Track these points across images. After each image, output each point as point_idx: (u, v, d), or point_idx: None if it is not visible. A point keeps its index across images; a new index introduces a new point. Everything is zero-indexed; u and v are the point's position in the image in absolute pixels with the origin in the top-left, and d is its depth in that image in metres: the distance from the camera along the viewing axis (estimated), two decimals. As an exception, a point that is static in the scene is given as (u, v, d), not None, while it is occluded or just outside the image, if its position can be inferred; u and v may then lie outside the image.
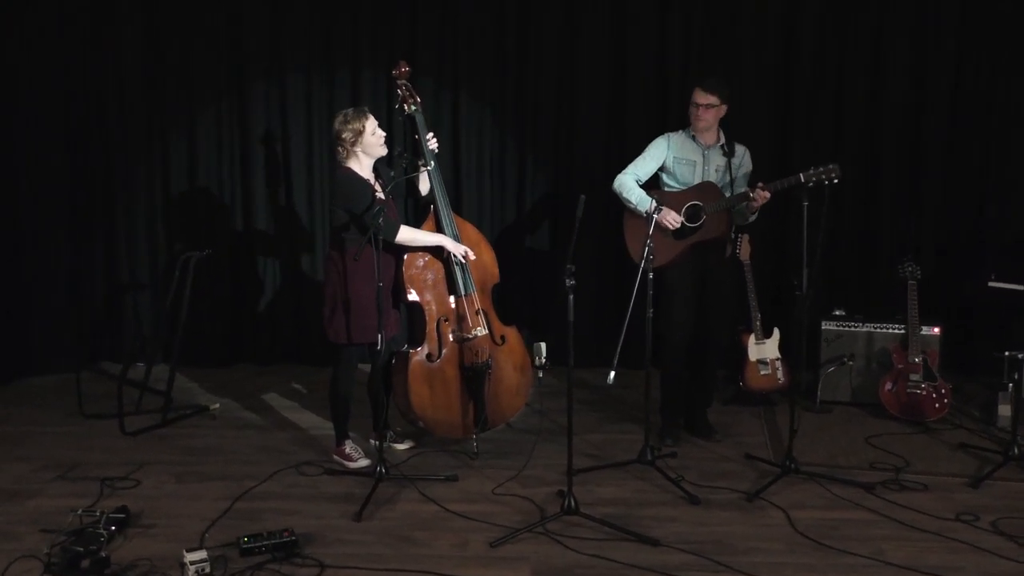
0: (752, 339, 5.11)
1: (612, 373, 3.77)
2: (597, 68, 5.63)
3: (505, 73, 5.68)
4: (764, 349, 5.13)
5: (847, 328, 5.14)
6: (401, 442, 4.33)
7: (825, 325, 5.17)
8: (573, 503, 3.50)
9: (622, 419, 4.80)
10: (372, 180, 3.98)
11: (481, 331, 4.17)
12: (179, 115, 5.70)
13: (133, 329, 5.86)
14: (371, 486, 3.72)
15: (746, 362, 5.10)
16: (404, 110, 4.17)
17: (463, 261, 4.11)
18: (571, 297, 3.39)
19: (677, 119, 4.79)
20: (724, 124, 4.45)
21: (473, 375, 4.14)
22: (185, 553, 3.04)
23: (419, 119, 4.17)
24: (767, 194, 4.10)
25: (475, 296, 4.18)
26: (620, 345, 3.84)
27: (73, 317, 5.68)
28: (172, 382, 4.76)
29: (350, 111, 3.96)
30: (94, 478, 3.83)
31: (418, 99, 4.21)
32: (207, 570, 3.00)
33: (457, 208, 5.77)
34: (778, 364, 5.13)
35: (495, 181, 5.85)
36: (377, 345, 3.73)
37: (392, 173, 3.96)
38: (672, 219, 4.26)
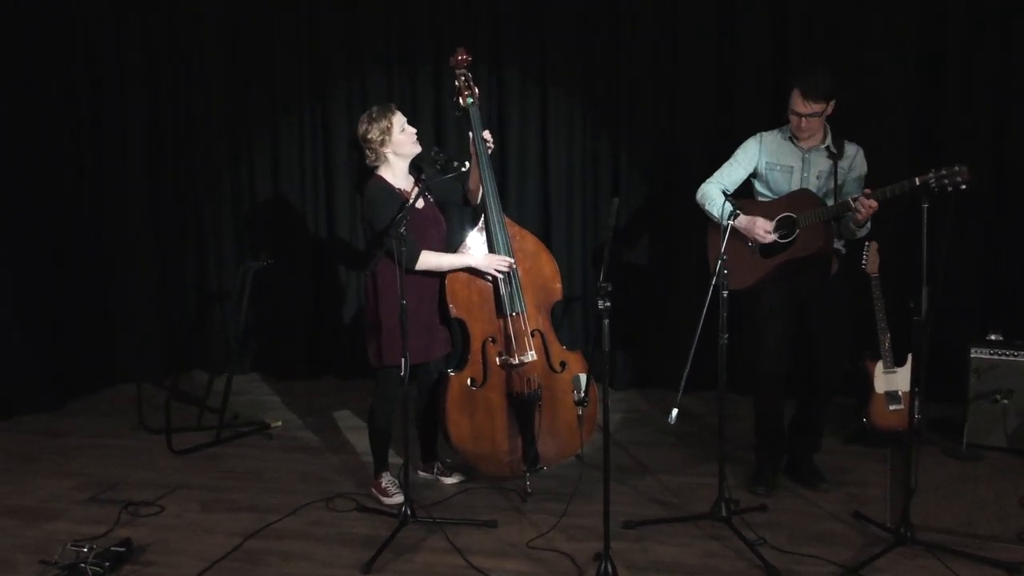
0: (880, 367, 4.28)
1: (675, 411, 3.15)
2: (700, 55, 4.96)
3: (597, 67, 5.12)
4: (895, 380, 4.28)
5: (1004, 357, 4.21)
6: (449, 475, 3.88)
7: (975, 352, 4.26)
8: (611, 569, 2.89)
9: (715, 456, 4.10)
10: (406, 187, 3.54)
11: (531, 356, 3.64)
12: (262, 122, 5.55)
13: (218, 340, 5.77)
14: (401, 527, 3.29)
15: (872, 395, 4.28)
16: (459, 104, 3.72)
17: (500, 274, 3.60)
18: (606, 322, 2.79)
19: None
20: (835, 120, 3.68)
21: (521, 406, 3.63)
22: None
23: (474, 113, 3.71)
24: (873, 203, 3.32)
25: (525, 315, 3.65)
26: (684, 379, 3.22)
27: (161, 327, 5.64)
28: (227, 397, 4.55)
29: (375, 109, 3.56)
30: (122, 501, 3.63)
31: (476, 91, 3.75)
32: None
33: (546, 218, 5.32)
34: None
35: (588, 186, 5.29)
36: (401, 371, 3.28)
37: (423, 176, 3.50)
38: (763, 230, 3.55)
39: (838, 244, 3.71)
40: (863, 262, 4.25)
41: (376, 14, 5.29)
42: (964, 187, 3.15)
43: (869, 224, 3.56)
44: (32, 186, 4.97)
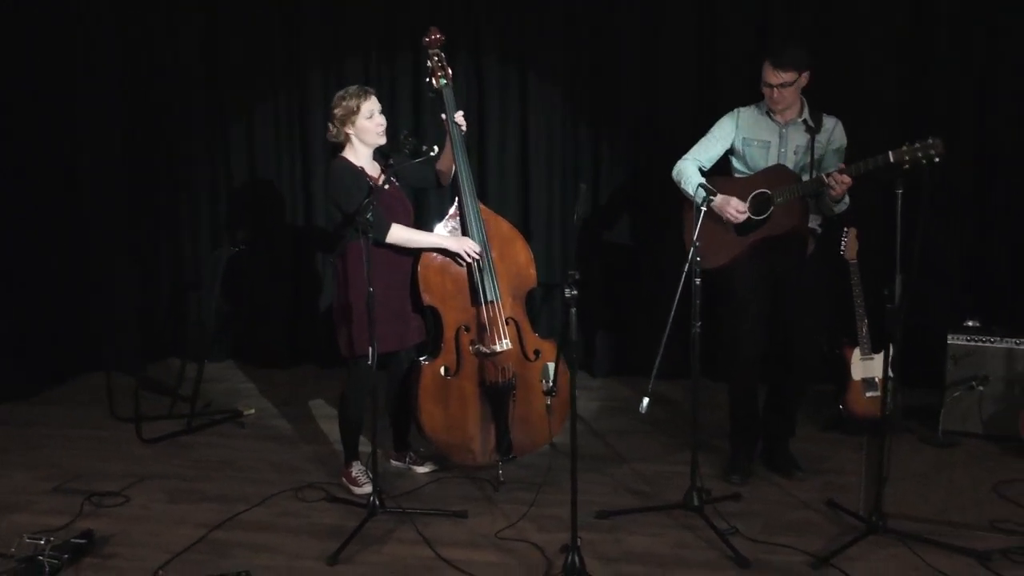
0: (857, 354, 4.25)
1: (646, 400, 3.11)
2: (683, 34, 4.90)
3: (578, 46, 5.04)
4: (872, 367, 4.26)
5: (981, 343, 4.19)
6: (422, 464, 3.84)
7: (952, 339, 4.24)
8: (578, 562, 2.85)
9: (699, 444, 4.06)
10: (372, 172, 3.48)
11: (506, 345, 3.59)
12: (238, 108, 5.47)
13: (194, 327, 5.69)
14: (369, 518, 3.24)
15: (849, 382, 4.25)
16: (432, 84, 3.65)
17: (472, 261, 3.54)
18: (573, 311, 2.74)
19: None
20: (811, 93, 3.63)
21: (495, 395, 3.58)
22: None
23: (447, 95, 3.64)
24: (847, 179, 3.28)
25: (499, 303, 3.60)
26: (656, 367, 3.17)
27: (137, 315, 5.57)
28: (199, 385, 4.48)
29: (352, 87, 3.49)
30: (86, 492, 3.57)
31: (450, 72, 3.68)
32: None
33: (525, 201, 5.27)
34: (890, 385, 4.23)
35: (568, 169, 5.23)
36: (368, 359, 3.23)
37: (391, 161, 3.44)
38: (735, 210, 3.51)
39: (814, 224, 3.67)
40: (842, 248, 4.21)
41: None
42: (938, 160, 3.11)
43: (847, 200, 3.51)
44: (6, 174, 4.87)
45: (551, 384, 3.13)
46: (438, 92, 3.65)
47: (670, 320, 3.13)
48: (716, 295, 3.78)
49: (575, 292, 2.70)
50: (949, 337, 4.23)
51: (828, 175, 3.32)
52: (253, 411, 4.66)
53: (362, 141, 3.49)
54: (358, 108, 3.44)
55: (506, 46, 5.13)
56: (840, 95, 4.33)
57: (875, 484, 3.18)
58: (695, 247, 3.15)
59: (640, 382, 5.13)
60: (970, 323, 4.29)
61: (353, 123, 3.45)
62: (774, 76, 3.46)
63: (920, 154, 3.11)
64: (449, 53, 5.08)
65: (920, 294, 4.70)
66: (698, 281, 3.17)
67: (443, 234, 3.57)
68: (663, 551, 3.12)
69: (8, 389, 4.79)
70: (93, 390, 4.98)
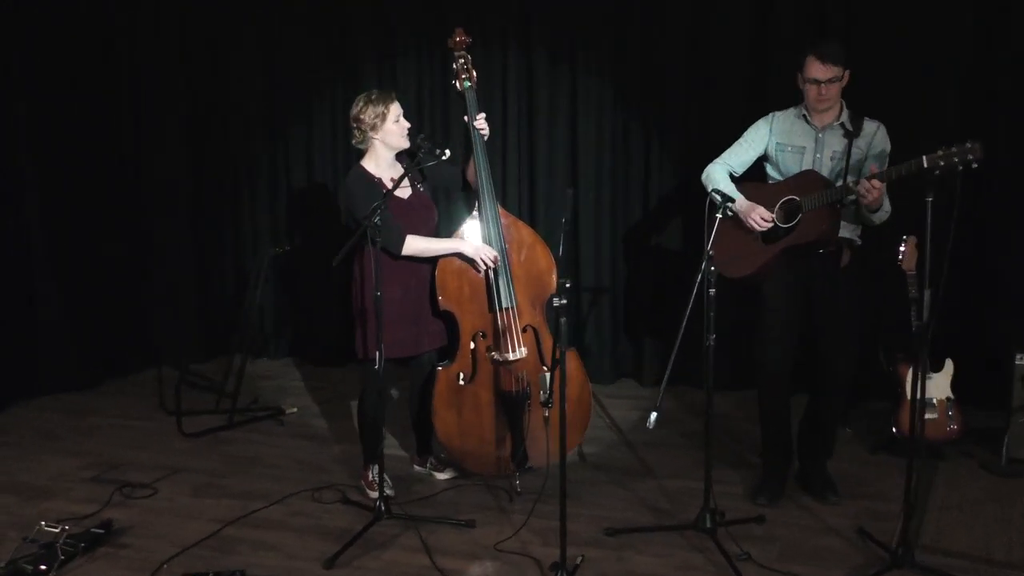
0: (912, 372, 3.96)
1: (653, 415, 2.98)
2: (734, 39, 4.71)
3: (628, 51, 4.92)
4: (930, 386, 3.97)
5: (1052, 365, 3.83)
6: (442, 471, 3.81)
7: (1021, 359, 3.89)
8: (567, 580, 2.76)
9: (727, 461, 3.91)
10: (392, 176, 3.46)
11: (522, 353, 3.52)
12: (297, 107, 5.58)
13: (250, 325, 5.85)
14: (373, 523, 3.24)
15: (903, 402, 3.97)
16: (456, 87, 3.63)
17: (486, 266, 3.48)
18: (563, 320, 2.65)
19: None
20: (852, 94, 3.41)
21: (511, 404, 3.51)
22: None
23: (470, 97, 3.61)
24: (876, 184, 3.05)
25: (516, 310, 3.52)
26: (665, 380, 3.04)
27: (200, 311, 5.76)
28: (240, 381, 4.60)
29: (375, 92, 3.49)
30: (119, 482, 3.71)
31: (474, 74, 3.64)
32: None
33: (574, 206, 5.15)
34: (949, 406, 3.95)
35: (618, 170, 5.11)
36: (376, 364, 3.22)
37: (406, 164, 3.42)
38: (760, 217, 3.33)
39: (851, 234, 3.44)
40: (900, 257, 3.94)
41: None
42: (976, 166, 2.86)
43: (887, 208, 3.26)
44: (76, 174, 5.12)
45: (547, 395, 3.04)
46: (462, 94, 3.61)
47: (681, 330, 3.00)
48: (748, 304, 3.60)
49: (564, 301, 2.60)
50: (1018, 357, 3.90)
51: (855, 182, 3.10)
52: (295, 409, 4.75)
53: (386, 145, 3.48)
54: (386, 113, 3.43)
55: (556, 45, 5.05)
56: (896, 98, 4.07)
57: (931, 509, 2.93)
58: (708, 256, 3.00)
59: (689, 392, 4.97)
60: (1042, 342, 3.94)
61: (381, 128, 3.44)
62: (822, 70, 3.27)
63: (956, 159, 2.87)
64: (500, 52, 5.13)
65: (988, 307, 4.40)
66: (712, 292, 3.02)
67: (461, 239, 3.52)
68: (666, 573, 2.99)
69: (70, 379, 5.02)
70: (151, 384, 5.17)
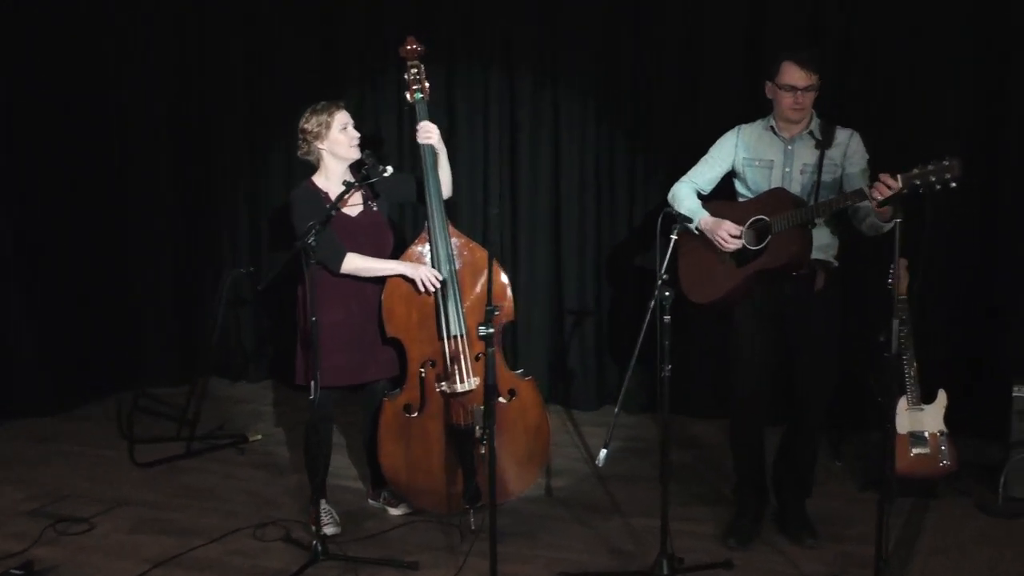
0: (904, 403, 3.70)
1: (603, 452, 2.76)
2: (726, 47, 4.48)
3: (613, 68, 4.73)
4: (921, 419, 3.71)
5: (1055, 397, 3.54)
6: (396, 506, 3.60)
7: (1019, 391, 3.62)
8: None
9: (706, 499, 3.66)
10: (337, 192, 3.28)
11: (472, 384, 3.31)
12: (277, 122, 5.44)
13: (232, 348, 5.71)
14: (308, 566, 3.04)
15: (895, 435, 3.70)
16: (407, 98, 3.46)
17: (429, 291, 3.28)
18: (491, 351, 2.43)
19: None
20: (823, 104, 3.18)
21: (462, 437, 3.30)
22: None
23: (421, 110, 3.44)
24: (893, 184, 2.73)
25: (465, 339, 3.31)
26: (616, 414, 2.82)
27: (178, 334, 5.62)
28: (199, 407, 4.43)
29: (322, 103, 3.33)
30: (56, 517, 3.54)
31: (427, 86, 3.47)
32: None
33: (556, 225, 4.97)
34: (942, 441, 3.67)
35: (603, 190, 4.90)
36: (312, 393, 3.03)
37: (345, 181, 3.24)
38: (727, 234, 3.10)
39: (827, 255, 3.19)
40: (889, 281, 3.69)
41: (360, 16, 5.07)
42: (955, 185, 2.62)
43: (895, 217, 2.98)
44: (51, 193, 5.00)
45: (481, 430, 2.82)
46: (412, 107, 3.43)
47: (633, 359, 2.79)
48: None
49: (491, 330, 2.39)
50: (1015, 388, 3.62)
51: (870, 187, 2.81)
52: (260, 437, 4.57)
53: (334, 155, 3.32)
54: (330, 121, 3.28)
55: (538, 62, 4.87)
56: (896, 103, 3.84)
57: (917, 553, 2.66)
58: (662, 280, 2.77)
59: (676, 420, 4.71)
60: (1044, 372, 3.65)
61: (326, 137, 3.29)
62: (802, 77, 3.05)
63: (933, 177, 2.63)
64: (480, 66, 4.96)
65: (990, 333, 4.12)
66: (667, 318, 2.79)
67: (405, 261, 3.33)
68: (615, 627, 2.74)
69: (39, 403, 4.88)
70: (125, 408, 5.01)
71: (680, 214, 2.92)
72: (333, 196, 3.25)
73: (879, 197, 2.78)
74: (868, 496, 3.68)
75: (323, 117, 3.27)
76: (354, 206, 3.33)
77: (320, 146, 3.28)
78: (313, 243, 2.95)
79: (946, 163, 2.60)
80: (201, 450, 4.35)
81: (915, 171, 2.66)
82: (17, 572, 3.02)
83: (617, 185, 4.88)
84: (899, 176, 2.70)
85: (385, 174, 3.14)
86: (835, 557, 3.15)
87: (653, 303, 2.77)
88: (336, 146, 3.28)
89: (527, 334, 5.10)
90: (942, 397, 3.71)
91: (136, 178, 5.45)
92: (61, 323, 5.03)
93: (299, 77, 5.30)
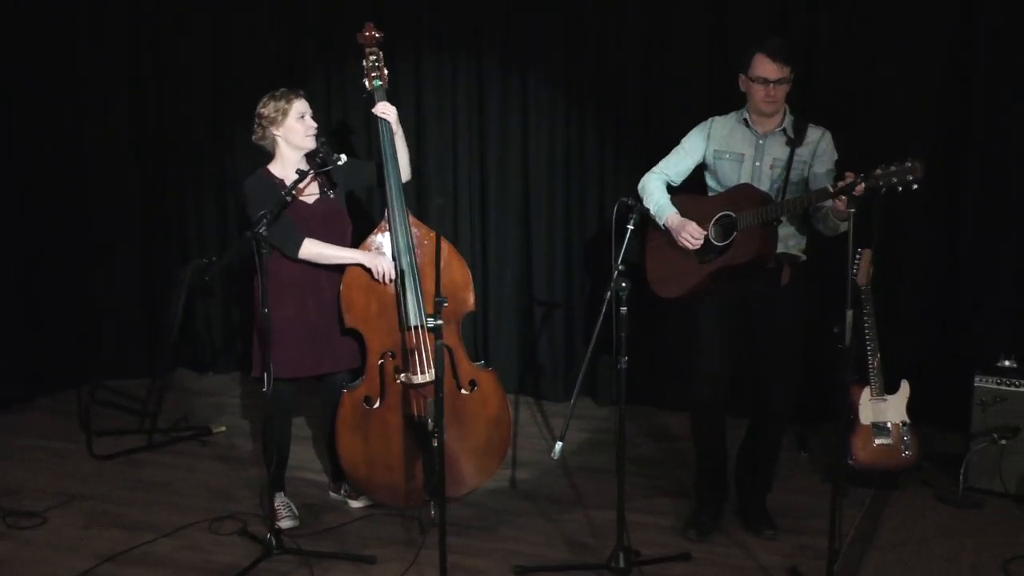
0: (866, 394, 3.70)
1: (559, 445, 2.73)
2: (693, 35, 4.45)
3: (582, 54, 4.68)
4: (884, 409, 3.71)
5: (1015, 388, 3.55)
6: (356, 498, 3.56)
7: (980, 381, 3.63)
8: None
9: (670, 492, 3.64)
10: (294, 179, 3.23)
11: (432, 375, 3.27)
12: (241, 112, 5.35)
13: (200, 339, 5.65)
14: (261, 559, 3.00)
15: (857, 427, 3.70)
16: (366, 85, 3.41)
17: (385, 281, 3.24)
18: (439, 343, 2.39)
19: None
20: (795, 100, 3.16)
21: (420, 429, 3.26)
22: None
23: (379, 97, 3.39)
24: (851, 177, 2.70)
25: (425, 330, 3.27)
26: (572, 407, 2.80)
27: (144, 324, 5.54)
28: (161, 399, 4.37)
29: (281, 89, 3.29)
30: (6, 511, 3.47)
31: (385, 73, 3.42)
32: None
33: (525, 215, 4.93)
34: (904, 431, 3.67)
35: (573, 180, 4.87)
36: (265, 385, 2.98)
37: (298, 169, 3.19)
38: (690, 234, 3.07)
39: (796, 249, 3.17)
40: (853, 271, 3.68)
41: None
42: (916, 187, 2.60)
43: (849, 219, 2.95)
44: (16, 180, 4.91)
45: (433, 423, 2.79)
46: (370, 94, 3.38)
47: (589, 351, 2.77)
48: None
49: (439, 322, 2.36)
50: (977, 379, 3.62)
51: (834, 187, 2.78)
52: (224, 428, 4.51)
53: (289, 143, 3.27)
54: (288, 109, 3.23)
55: (507, 48, 4.82)
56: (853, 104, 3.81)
57: (876, 546, 2.63)
58: (618, 272, 2.74)
59: (647, 413, 4.72)
60: (1006, 363, 3.65)
61: (282, 124, 3.24)
62: (773, 69, 3.01)
63: (895, 179, 2.62)
64: (450, 54, 4.91)
65: (956, 322, 4.12)
66: (624, 310, 2.76)
67: (363, 250, 3.29)
68: (568, 620, 2.72)
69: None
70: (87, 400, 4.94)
71: (632, 204, 2.88)
72: (286, 182, 3.19)
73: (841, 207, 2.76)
74: (828, 487, 3.67)
75: (281, 104, 3.22)
76: (310, 195, 3.28)
77: (276, 132, 3.23)
78: (264, 232, 2.89)
79: (908, 164, 2.58)
80: (163, 443, 4.29)
81: (877, 171, 2.64)
82: (-38, 567, 2.96)
83: (587, 175, 4.84)
84: (860, 176, 2.67)
85: (339, 163, 3.10)
86: (793, 549, 3.14)
87: (609, 294, 2.73)
88: (291, 134, 3.22)
89: (496, 325, 5.07)
90: (905, 388, 3.71)
91: (97, 166, 5.34)
92: (20, 314, 4.93)
93: (262, 62, 5.23)
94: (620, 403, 2.82)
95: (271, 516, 3.11)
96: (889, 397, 3.69)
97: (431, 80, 4.97)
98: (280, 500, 3.42)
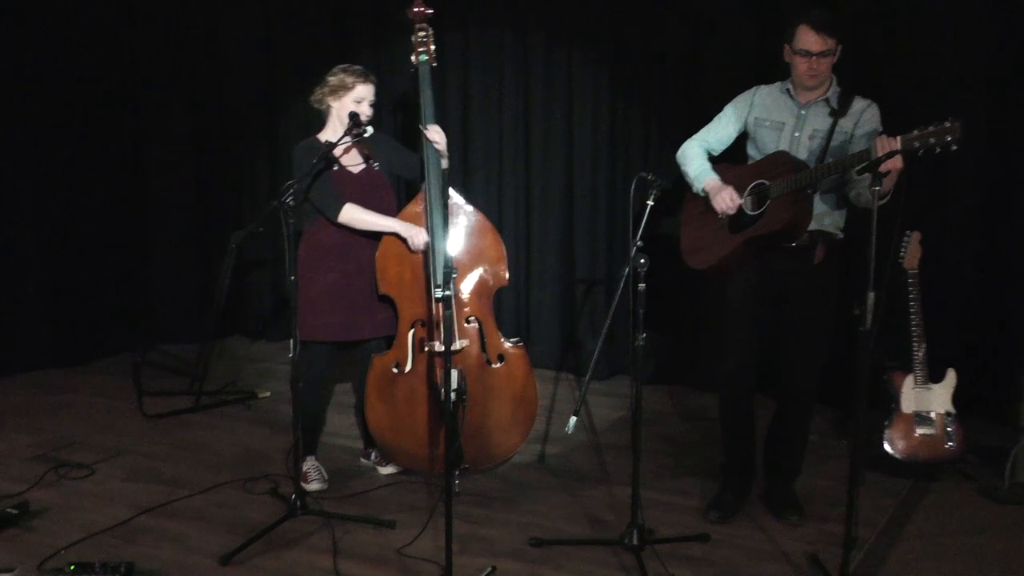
0: (909, 382, 3.58)
1: (572, 419, 2.72)
2: (740, 19, 4.35)
3: (627, 31, 4.62)
4: (927, 398, 3.59)
5: (1066, 381, 3.39)
6: (385, 465, 3.62)
7: (1030, 373, 3.46)
8: (450, 597, 2.53)
9: (698, 472, 3.61)
10: (340, 152, 3.31)
11: (460, 344, 3.30)
12: (295, 90, 5.46)
13: (254, 306, 5.81)
14: (286, 519, 3.09)
15: (897, 414, 3.59)
16: (412, 60, 3.44)
17: (418, 250, 3.28)
18: (448, 313, 2.41)
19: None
20: (841, 70, 3.05)
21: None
22: (-7, 575, 2.68)
23: (424, 72, 3.42)
24: (895, 146, 2.59)
25: (454, 299, 3.30)
26: (587, 382, 2.79)
27: (197, 292, 5.73)
28: (207, 364, 4.52)
29: (359, 68, 3.35)
30: (59, 462, 3.65)
31: (432, 49, 3.44)
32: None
33: (568, 191, 4.91)
34: (949, 422, 3.55)
35: (617, 157, 4.82)
36: (291, 351, 3.06)
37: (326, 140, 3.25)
38: (728, 198, 3.01)
39: (833, 227, 3.08)
40: (900, 254, 3.58)
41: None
42: (955, 148, 2.49)
43: (890, 193, 2.80)
44: (75, 148, 5.12)
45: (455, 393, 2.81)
46: (415, 68, 3.41)
47: (605, 328, 2.74)
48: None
49: (448, 292, 2.37)
50: (1027, 370, 3.47)
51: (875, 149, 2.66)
52: (269, 394, 4.64)
53: (339, 117, 3.35)
54: (352, 87, 3.30)
55: (553, 23, 4.79)
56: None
57: (906, 538, 2.56)
58: (637, 247, 2.71)
59: (683, 393, 4.69)
60: (1057, 354, 3.49)
61: (340, 98, 3.32)
62: (816, 41, 2.92)
63: (933, 140, 2.51)
64: (497, 29, 4.89)
65: (1006, 310, 3.94)
66: (642, 286, 2.73)
67: (394, 220, 3.34)
68: (579, 593, 2.73)
69: (52, 357, 5.01)
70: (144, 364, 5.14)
71: (655, 179, 2.83)
72: (334, 152, 3.25)
73: (879, 154, 2.65)
74: (866, 477, 3.59)
75: (348, 80, 3.29)
76: (355, 165, 3.35)
77: (332, 102, 3.32)
78: (291, 202, 2.95)
79: (947, 124, 2.48)
80: (209, 405, 4.44)
81: (915, 133, 2.54)
82: (12, 511, 3.12)
83: (632, 151, 4.78)
84: (898, 138, 2.58)
85: (365, 134, 3.16)
86: (817, 535, 3.07)
87: (627, 270, 2.70)
88: (344, 112, 3.30)
89: (539, 302, 5.08)
90: (951, 376, 3.58)
91: (156, 137, 5.55)
92: (80, 281, 5.16)
93: (313, 37, 5.31)
94: (636, 380, 2.80)
95: (297, 478, 3.19)
96: (934, 386, 3.57)
97: (478, 55, 4.98)
98: (310, 463, 3.51)
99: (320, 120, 3.46)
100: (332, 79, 3.32)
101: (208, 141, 5.65)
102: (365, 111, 3.32)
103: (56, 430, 4.07)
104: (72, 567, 2.71)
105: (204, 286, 5.74)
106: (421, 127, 3.31)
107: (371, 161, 3.41)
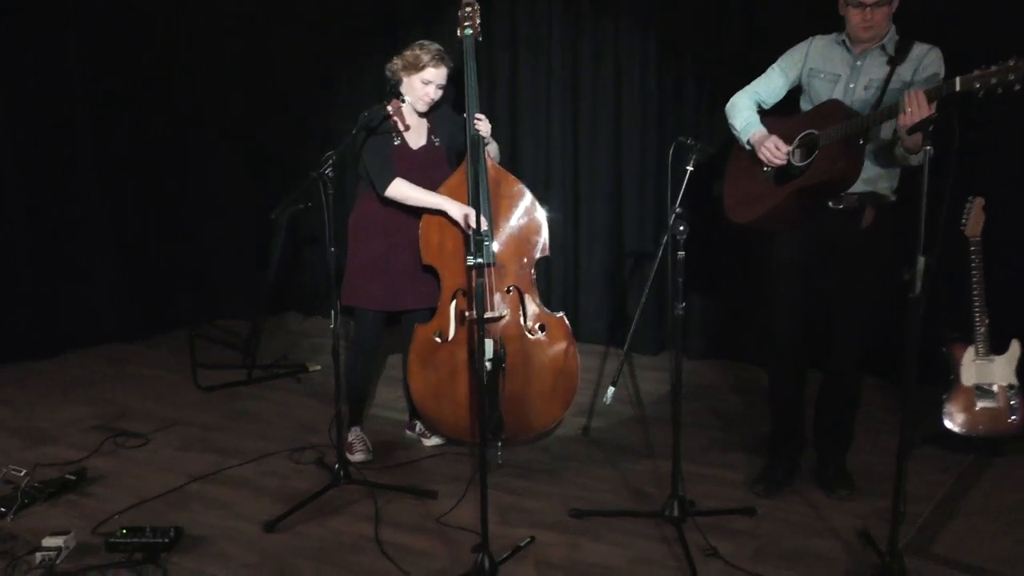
0: (970, 354, 3.45)
1: (611, 390, 2.69)
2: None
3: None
4: (989, 370, 3.45)
5: None
6: (429, 437, 3.65)
7: (1101, 344, 3.30)
8: (487, 564, 2.53)
9: (747, 447, 3.54)
10: (410, 130, 3.34)
11: (500, 312, 3.29)
12: (346, 64, 5.49)
13: (308, 282, 5.90)
14: (330, 488, 3.13)
15: (957, 387, 3.47)
16: (457, 34, 3.43)
17: (471, 230, 3.26)
18: (480, 281, 2.38)
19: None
20: (902, 18, 2.91)
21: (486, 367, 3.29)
22: (47, 537, 2.77)
23: (468, 46, 3.39)
24: (920, 99, 2.50)
25: (494, 269, 3.29)
26: (624, 354, 2.74)
27: (252, 270, 5.82)
28: (258, 338, 4.60)
29: (437, 48, 3.32)
30: (117, 431, 3.77)
31: (477, 23, 3.42)
32: (54, 560, 2.69)
33: (617, 163, 4.84)
34: (1012, 395, 3.41)
35: (667, 126, 4.73)
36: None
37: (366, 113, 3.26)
38: (774, 147, 2.91)
39: (886, 189, 2.95)
40: (963, 221, 3.43)
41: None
42: (1019, 87, 2.36)
43: (925, 150, 2.69)
44: (134, 131, 5.25)
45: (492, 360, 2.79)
46: (460, 42, 3.39)
47: (643, 298, 2.68)
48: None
49: (479, 259, 2.36)
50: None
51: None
52: (319, 367, 4.71)
53: (410, 93, 3.35)
54: (423, 68, 3.29)
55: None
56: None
57: (960, 515, 2.47)
58: (676, 212, 2.64)
59: (734, 367, 4.61)
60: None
61: (410, 75, 3.32)
62: None
63: (995, 79, 2.37)
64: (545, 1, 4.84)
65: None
66: (682, 254, 2.66)
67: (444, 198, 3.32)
68: (615, 563, 2.70)
69: (118, 331, 5.18)
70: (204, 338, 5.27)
71: (696, 143, 2.75)
72: (400, 124, 3.25)
73: (907, 118, 2.52)
74: (923, 452, 3.48)
75: (421, 59, 3.27)
76: (418, 139, 3.36)
77: (403, 76, 3.32)
78: (330, 173, 2.97)
79: (1011, 63, 2.34)
80: (262, 378, 4.53)
81: (975, 73, 2.40)
82: (71, 477, 3.24)
83: (683, 122, 4.68)
84: (957, 79, 2.44)
85: (403, 103, 3.17)
86: (868, 511, 2.98)
87: (666, 238, 2.64)
88: (411, 89, 3.31)
89: (587, 276, 5.03)
90: (1015, 348, 3.44)
91: (212, 116, 5.64)
92: (142, 258, 5.30)
93: (365, 14, 5.32)
94: (676, 350, 2.74)
95: (342, 448, 3.23)
96: (997, 358, 3.43)
97: (525, 25, 4.92)
98: (356, 434, 3.55)
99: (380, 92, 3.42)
100: (408, 53, 3.31)
101: (263, 119, 5.72)
102: (430, 94, 3.31)
103: (116, 401, 4.20)
104: (124, 531, 2.79)
105: (259, 263, 5.83)
106: (466, 116, 3.26)
107: (433, 136, 3.41)
